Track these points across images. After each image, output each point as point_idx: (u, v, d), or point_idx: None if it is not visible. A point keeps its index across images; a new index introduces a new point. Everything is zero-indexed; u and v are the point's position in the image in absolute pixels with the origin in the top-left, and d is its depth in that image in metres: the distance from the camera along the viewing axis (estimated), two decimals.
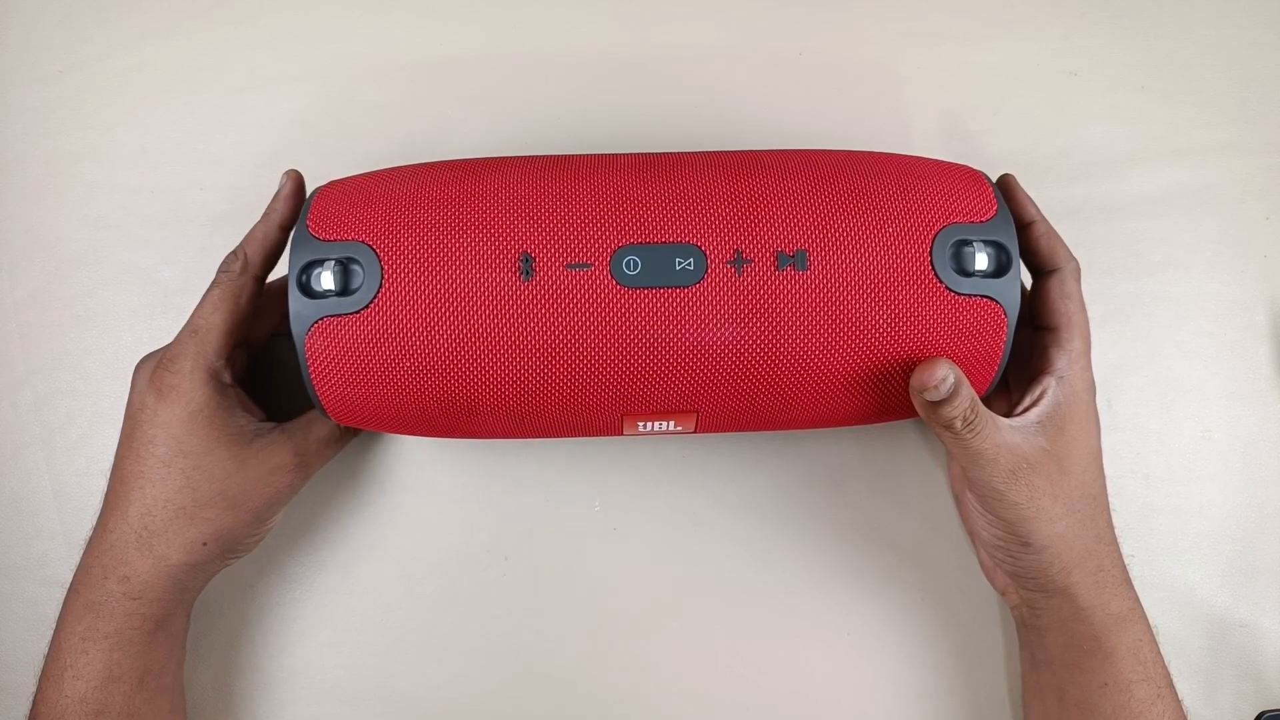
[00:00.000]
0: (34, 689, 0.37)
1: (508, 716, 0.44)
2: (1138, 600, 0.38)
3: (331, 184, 0.37)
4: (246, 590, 0.44)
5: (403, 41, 0.49)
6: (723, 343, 0.34)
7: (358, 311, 0.34)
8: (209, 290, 0.38)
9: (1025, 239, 0.39)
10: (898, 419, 0.39)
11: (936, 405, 0.34)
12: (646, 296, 0.34)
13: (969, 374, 0.35)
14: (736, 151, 0.38)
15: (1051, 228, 0.39)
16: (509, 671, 0.44)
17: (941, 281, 0.34)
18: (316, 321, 0.34)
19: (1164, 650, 0.38)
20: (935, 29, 0.49)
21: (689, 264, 0.34)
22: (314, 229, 0.35)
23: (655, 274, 0.34)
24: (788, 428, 0.40)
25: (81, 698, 0.36)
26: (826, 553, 0.45)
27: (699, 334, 0.34)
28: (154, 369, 0.37)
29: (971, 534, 0.44)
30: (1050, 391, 0.37)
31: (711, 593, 0.45)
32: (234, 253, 0.39)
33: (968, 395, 0.34)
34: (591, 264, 0.34)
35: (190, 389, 0.37)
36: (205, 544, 0.37)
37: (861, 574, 0.45)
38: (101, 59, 0.49)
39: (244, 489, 0.38)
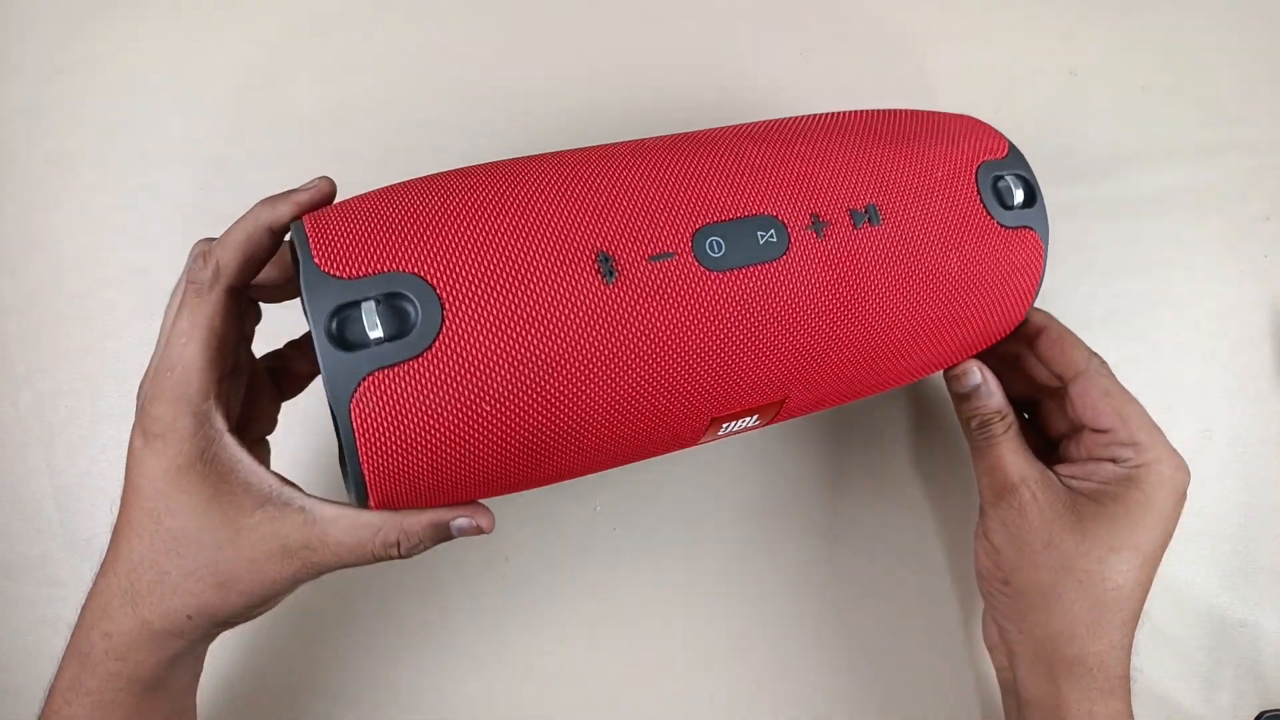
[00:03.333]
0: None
1: (508, 716, 0.44)
2: (1128, 710, 0.36)
3: (326, 211, 0.30)
4: None
5: (405, 41, 0.49)
6: (818, 313, 0.31)
7: (418, 356, 0.27)
8: (178, 309, 0.31)
9: (1039, 348, 0.38)
10: (967, 358, 0.38)
11: (963, 399, 0.37)
12: (737, 278, 0.30)
13: (1014, 302, 0.36)
14: (763, 121, 0.36)
15: (1064, 328, 0.38)
16: (509, 671, 0.44)
17: (992, 217, 0.35)
18: (366, 378, 0.27)
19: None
20: (936, 29, 0.49)
21: (771, 235, 0.31)
22: (328, 267, 0.28)
23: (741, 252, 0.30)
24: (862, 395, 0.37)
25: None
26: (827, 553, 0.45)
27: (795, 309, 0.31)
28: (138, 405, 0.31)
29: (977, 578, 0.41)
30: (1103, 468, 0.36)
31: (712, 593, 0.45)
32: (202, 255, 0.31)
33: (994, 404, 0.37)
34: (675, 252, 0.30)
35: (176, 439, 0.30)
36: (190, 617, 0.31)
37: (862, 575, 0.45)
38: (100, 58, 0.49)
39: (235, 569, 0.30)
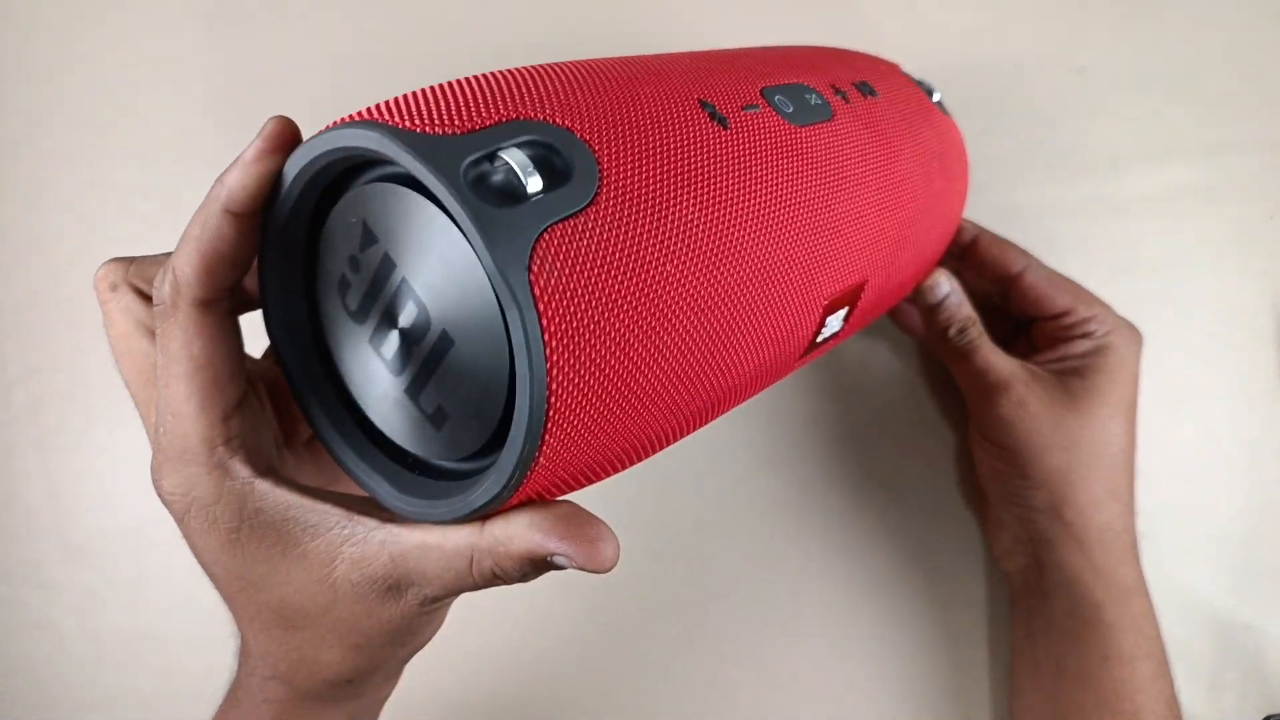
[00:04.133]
0: None
1: (508, 717, 0.44)
2: (1143, 574, 0.38)
3: (388, 102, 0.22)
4: None
5: (402, 38, 0.49)
6: (870, 170, 0.31)
7: (590, 205, 0.21)
8: (160, 346, 0.24)
9: (979, 252, 0.42)
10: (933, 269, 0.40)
11: (935, 309, 0.39)
12: (812, 134, 0.29)
13: (963, 184, 0.38)
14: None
15: (994, 235, 0.42)
16: (509, 672, 0.44)
17: (933, 102, 0.38)
18: (541, 236, 0.20)
19: (1168, 653, 0.38)
20: (939, 26, 0.49)
21: (815, 99, 0.30)
22: (428, 128, 0.21)
23: (803, 111, 0.29)
24: (899, 287, 0.37)
25: None
26: (828, 553, 0.45)
27: (856, 164, 0.30)
28: (152, 480, 0.25)
29: (979, 492, 0.43)
30: (1074, 346, 0.39)
31: (713, 593, 0.44)
32: (159, 275, 0.24)
33: (965, 311, 0.39)
34: (758, 105, 0.28)
35: (203, 511, 0.24)
36: (349, 681, 0.27)
37: (863, 574, 0.45)
38: (96, 57, 0.48)
39: (355, 627, 0.25)
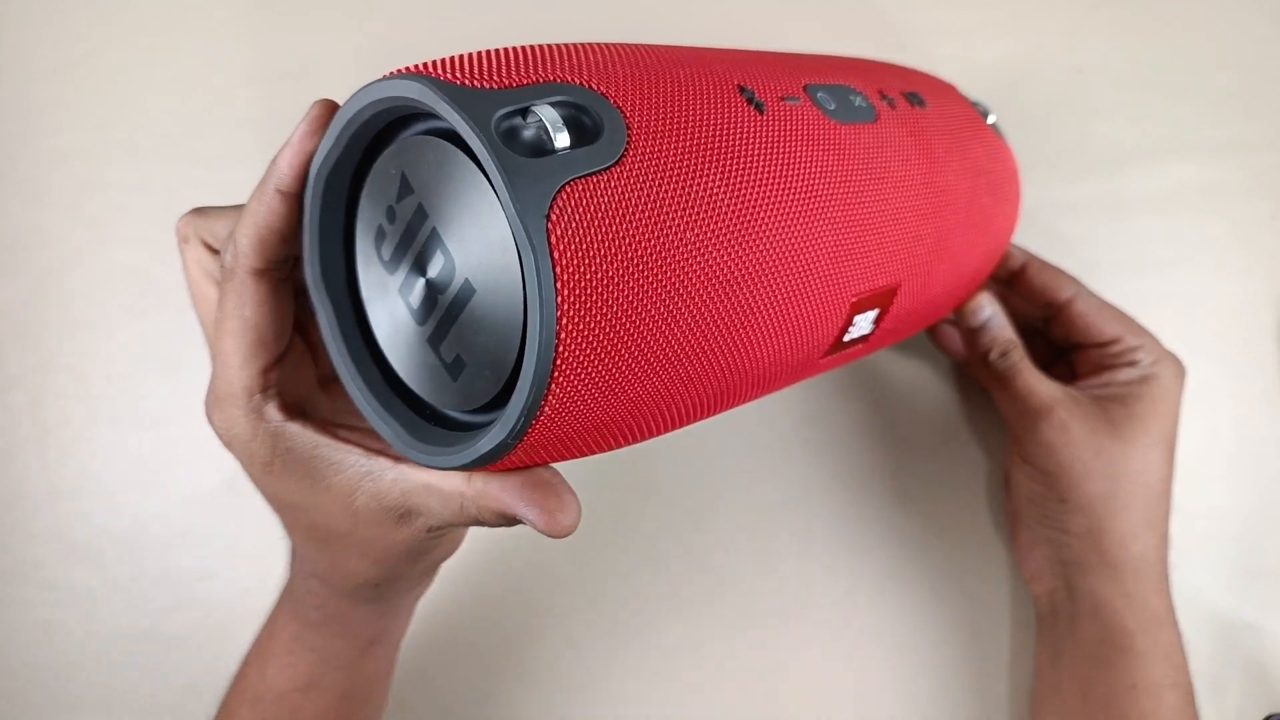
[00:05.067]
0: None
1: (507, 717, 0.44)
2: (1173, 605, 0.38)
3: (439, 60, 0.23)
4: (244, 595, 0.44)
5: (402, 38, 0.49)
6: (912, 176, 0.31)
7: (616, 164, 0.22)
8: (220, 303, 0.28)
9: (1028, 278, 0.42)
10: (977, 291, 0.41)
11: (977, 332, 0.40)
12: (853, 132, 0.29)
13: (1013, 206, 0.38)
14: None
15: (1043, 261, 0.42)
16: (509, 672, 0.44)
17: (985, 122, 0.38)
18: (563, 188, 0.20)
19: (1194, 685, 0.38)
20: (940, 24, 0.49)
21: (860, 100, 0.30)
22: (468, 81, 0.22)
23: (846, 110, 0.29)
24: (936, 303, 0.36)
25: (281, 693, 0.33)
26: (831, 552, 0.45)
27: (896, 167, 0.30)
28: (205, 413, 0.29)
29: (1013, 514, 0.43)
30: (1119, 374, 0.39)
31: (714, 593, 0.44)
32: (224, 242, 0.28)
33: (1008, 334, 0.39)
34: (798, 98, 0.28)
35: (243, 446, 0.28)
36: (375, 585, 0.31)
37: (866, 574, 0.44)
38: (93, 56, 0.48)
39: (374, 546, 0.29)
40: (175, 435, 0.45)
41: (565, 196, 0.20)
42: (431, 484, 0.26)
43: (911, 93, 0.34)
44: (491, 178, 0.20)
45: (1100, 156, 0.48)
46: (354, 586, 0.31)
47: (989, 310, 0.40)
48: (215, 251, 0.29)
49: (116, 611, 0.44)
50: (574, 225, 0.20)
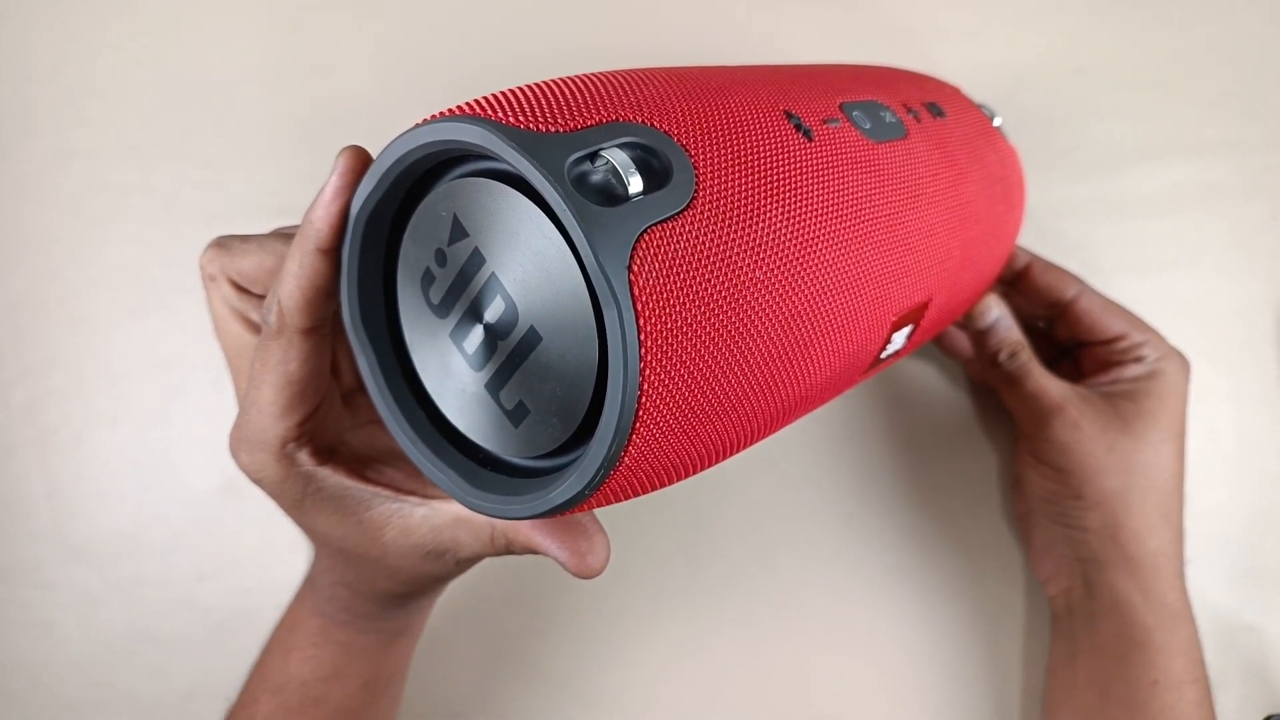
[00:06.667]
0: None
1: (508, 717, 0.44)
2: (1189, 600, 0.38)
3: (489, 97, 0.23)
4: (244, 596, 0.44)
5: (399, 37, 0.49)
6: (942, 189, 0.31)
7: (688, 208, 0.21)
8: (259, 353, 0.27)
9: (1032, 278, 0.42)
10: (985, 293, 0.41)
11: (985, 334, 0.40)
12: (889, 150, 0.29)
13: (1021, 211, 0.38)
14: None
15: (1046, 261, 0.42)
16: (509, 672, 0.44)
17: (996, 128, 0.38)
18: (642, 235, 0.20)
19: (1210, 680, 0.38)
20: (940, 25, 0.49)
21: (890, 116, 0.30)
22: (531, 125, 0.21)
23: (880, 128, 0.29)
24: (959, 305, 0.37)
25: (305, 681, 0.33)
26: (834, 552, 0.45)
27: (929, 182, 0.30)
28: (230, 449, 0.29)
29: (1025, 515, 0.43)
30: (1126, 370, 0.39)
31: (715, 593, 0.44)
32: (268, 299, 0.27)
33: (1015, 335, 0.40)
34: (839, 120, 0.28)
35: (273, 485, 0.28)
36: (399, 597, 0.32)
37: (870, 573, 0.44)
38: (93, 56, 0.48)
39: (400, 575, 0.30)
40: (175, 435, 0.45)
41: (644, 246, 0.20)
42: (461, 517, 0.27)
43: (932, 103, 0.34)
44: (568, 227, 0.20)
45: (1100, 157, 0.48)
46: (381, 595, 0.31)
47: (996, 312, 0.40)
48: (242, 290, 0.29)
49: (115, 612, 0.44)
50: (655, 275, 0.20)
